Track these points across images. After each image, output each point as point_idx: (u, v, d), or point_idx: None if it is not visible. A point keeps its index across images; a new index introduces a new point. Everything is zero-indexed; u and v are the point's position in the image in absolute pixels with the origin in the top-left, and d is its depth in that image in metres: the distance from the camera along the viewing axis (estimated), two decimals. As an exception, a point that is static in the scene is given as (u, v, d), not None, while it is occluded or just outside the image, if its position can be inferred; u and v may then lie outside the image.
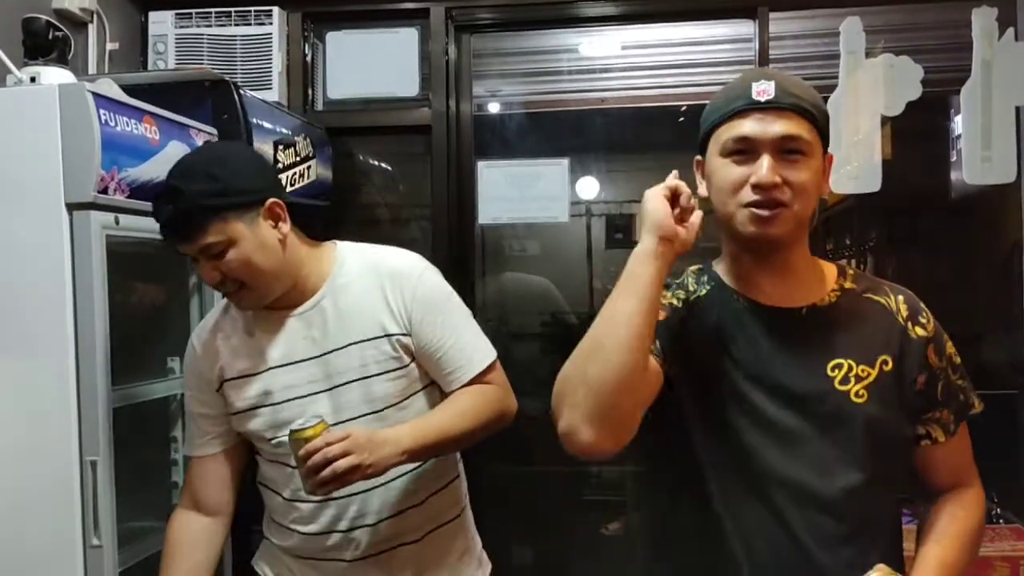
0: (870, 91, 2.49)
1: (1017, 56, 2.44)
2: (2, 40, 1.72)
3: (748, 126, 1.09)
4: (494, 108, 3.42)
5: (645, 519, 1.27)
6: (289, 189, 2.21)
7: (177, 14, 2.59)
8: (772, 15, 2.57)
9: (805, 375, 1.12)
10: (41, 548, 1.49)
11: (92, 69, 2.34)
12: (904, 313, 1.17)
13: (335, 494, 1.32)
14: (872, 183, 2.50)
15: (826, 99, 2.49)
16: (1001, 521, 2.45)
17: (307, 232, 1.48)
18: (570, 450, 1.05)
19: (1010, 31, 2.44)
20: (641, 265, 1.06)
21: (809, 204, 1.12)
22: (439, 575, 1.51)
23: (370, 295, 1.43)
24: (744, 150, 1.09)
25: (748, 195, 1.09)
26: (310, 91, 2.72)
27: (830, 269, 1.21)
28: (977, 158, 2.46)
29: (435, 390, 1.49)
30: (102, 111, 1.49)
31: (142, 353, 1.81)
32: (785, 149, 1.09)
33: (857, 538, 1.09)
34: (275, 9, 2.58)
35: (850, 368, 1.12)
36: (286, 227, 1.41)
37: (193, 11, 2.58)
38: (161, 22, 2.60)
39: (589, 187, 3.57)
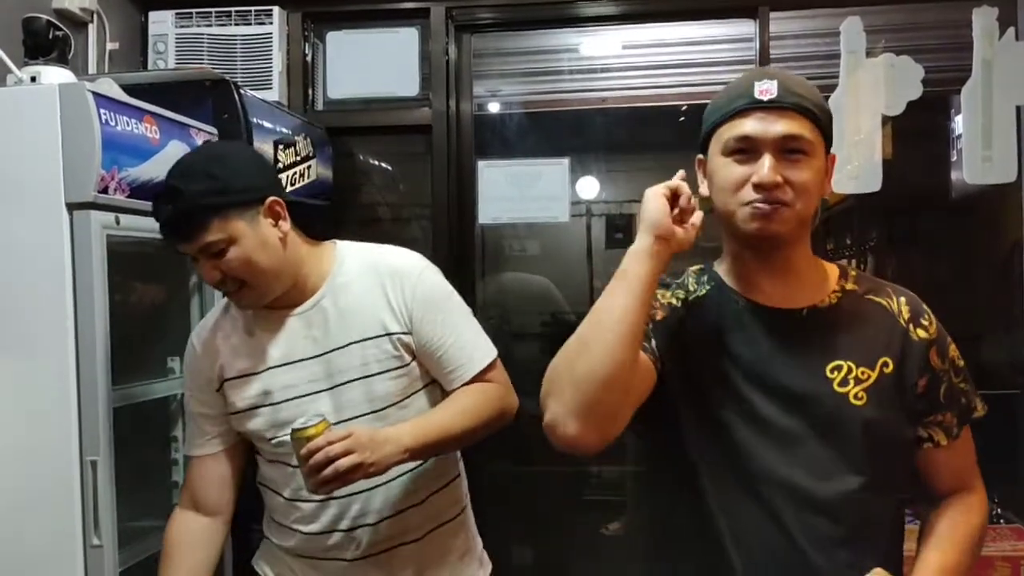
0: (871, 91, 2.49)
1: (1018, 56, 2.44)
2: (2, 40, 1.72)
3: (750, 125, 1.09)
4: (494, 108, 3.42)
5: (643, 518, 1.26)
6: (289, 189, 2.21)
7: (177, 14, 2.59)
8: (773, 15, 2.57)
9: (804, 376, 1.11)
10: (41, 548, 1.49)
11: (92, 69, 2.34)
12: (906, 315, 1.16)
13: (336, 493, 1.32)
14: (872, 183, 2.50)
15: (827, 99, 2.48)
16: (1002, 521, 2.45)
17: (307, 232, 1.47)
18: (553, 442, 1.05)
19: (1011, 31, 2.44)
20: (636, 263, 1.06)
21: (811, 204, 1.11)
22: (440, 574, 1.51)
23: (371, 294, 1.43)
24: (746, 149, 1.09)
25: (749, 194, 1.08)
26: (310, 91, 2.72)
27: (832, 270, 1.20)
28: (978, 158, 2.46)
29: (436, 389, 1.49)
30: (102, 111, 1.49)
31: (142, 353, 1.81)
32: (787, 149, 1.08)
33: (855, 540, 1.08)
34: (275, 9, 2.58)
35: (849, 370, 1.11)
36: (286, 225, 1.41)
37: (193, 11, 2.58)
38: (161, 22, 2.60)
39: (589, 187, 3.57)
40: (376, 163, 2.91)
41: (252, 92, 2.14)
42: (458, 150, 2.72)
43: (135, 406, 1.66)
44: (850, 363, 1.12)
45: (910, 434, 1.16)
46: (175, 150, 1.68)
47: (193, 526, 1.48)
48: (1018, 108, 2.44)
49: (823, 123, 1.12)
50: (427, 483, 1.47)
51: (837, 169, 2.48)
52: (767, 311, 1.15)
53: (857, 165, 2.50)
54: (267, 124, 2.14)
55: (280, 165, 2.17)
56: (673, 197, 1.08)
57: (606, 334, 1.02)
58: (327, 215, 2.50)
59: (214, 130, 1.87)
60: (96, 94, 1.49)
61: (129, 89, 1.66)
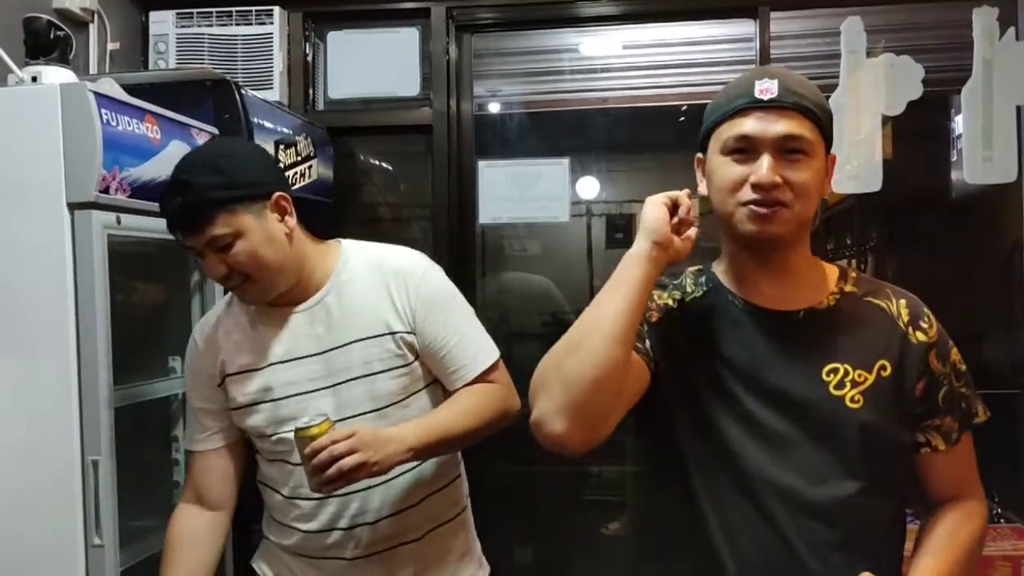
0: (871, 91, 2.49)
1: (1018, 55, 2.44)
2: (3, 40, 1.72)
3: (749, 125, 1.08)
4: (495, 108, 3.42)
5: (639, 518, 1.26)
6: (290, 189, 2.21)
7: (178, 14, 2.59)
8: (773, 15, 2.57)
9: (799, 379, 1.10)
10: (43, 547, 1.49)
11: (93, 69, 2.35)
12: (905, 317, 1.14)
13: (336, 491, 1.32)
14: (873, 183, 2.50)
15: (827, 99, 2.48)
16: (1002, 521, 2.45)
17: (311, 230, 1.48)
18: (540, 440, 1.04)
19: (1011, 31, 2.44)
20: (632, 267, 1.06)
21: (810, 205, 1.10)
22: (439, 574, 1.51)
23: (374, 293, 1.44)
24: (745, 149, 1.08)
25: (748, 194, 1.07)
26: (311, 91, 2.73)
27: (831, 271, 1.19)
28: (978, 158, 2.46)
29: (438, 388, 1.50)
30: (103, 110, 1.49)
31: (143, 352, 1.81)
32: (786, 149, 1.07)
33: (851, 545, 1.07)
34: (276, 9, 2.58)
35: (846, 373, 1.10)
36: (292, 221, 1.41)
37: (194, 11, 2.58)
38: (162, 22, 2.60)
39: (589, 187, 3.58)
40: (377, 163, 2.91)
41: (253, 92, 2.14)
42: (459, 150, 2.72)
43: (136, 406, 1.67)
44: (847, 366, 1.10)
45: (908, 438, 1.14)
46: (176, 150, 1.68)
47: (196, 521, 1.48)
48: (1018, 108, 2.44)
49: (823, 123, 1.11)
50: (427, 483, 1.47)
51: (837, 169, 2.48)
52: (764, 313, 1.14)
53: (857, 165, 2.50)
54: (268, 124, 2.14)
55: (281, 165, 2.17)
56: (673, 207, 1.08)
57: (598, 335, 1.02)
58: (330, 213, 2.51)
59: (215, 130, 1.87)
60: (97, 94, 1.49)
61: (130, 89, 1.66)
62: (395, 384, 1.43)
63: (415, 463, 1.42)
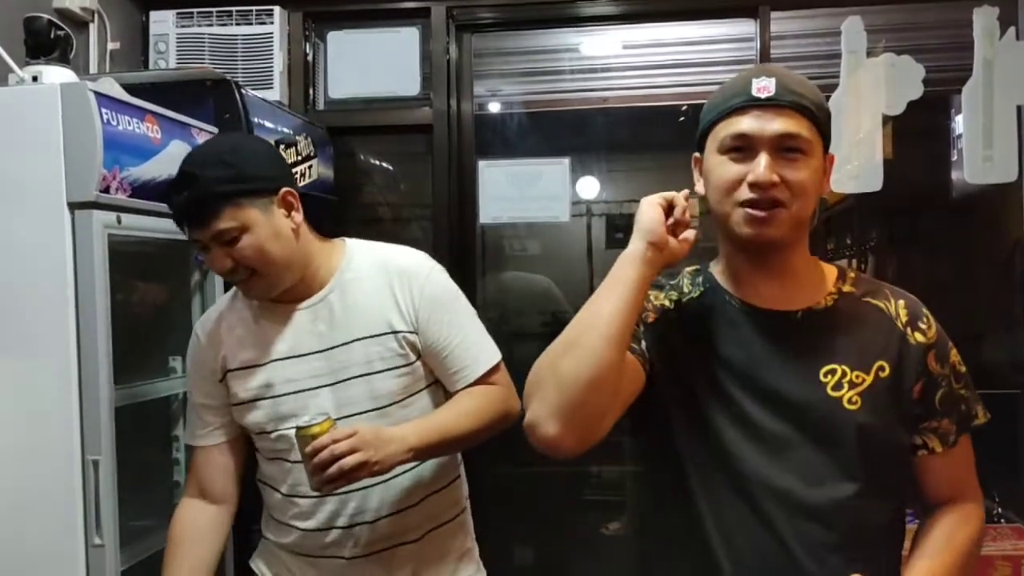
0: (871, 90, 2.49)
1: (1018, 55, 2.44)
2: (4, 39, 1.72)
3: (746, 123, 1.07)
4: (495, 107, 3.42)
5: (637, 517, 1.26)
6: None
7: (178, 13, 2.59)
8: (773, 14, 2.57)
9: (797, 380, 1.09)
10: (43, 547, 1.49)
11: (93, 69, 2.35)
12: (904, 318, 1.13)
13: (336, 490, 1.32)
14: (873, 182, 2.50)
15: (827, 99, 2.48)
16: (1002, 520, 2.45)
17: (317, 228, 1.48)
18: (533, 443, 1.04)
19: (1011, 30, 2.44)
20: (627, 267, 1.05)
21: (808, 205, 1.09)
22: (438, 575, 1.51)
23: (378, 292, 1.44)
24: (742, 148, 1.07)
25: (745, 193, 1.06)
26: (311, 90, 2.73)
27: (830, 271, 1.18)
28: (978, 157, 2.46)
29: (439, 388, 1.50)
30: (104, 110, 1.49)
31: (144, 352, 1.81)
32: (784, 147, 1.06)
33: (848, 547, 1.06)
34: (276, 8, 2.58)
35: (844, 374, 1.09)
36: (299, 216, 1.42)
37: (194, 10, 2.58)
38: (162, 21, 2.60)
39: (590, 187, 3.58)
40: (377, 163, 2.91)
41: (253, 92, 2.14)
42: (459, 150, 2.72)
43: (137, 405, 1.67)
44: (845, 367, 1.09)
45: (906, 440, 1.13)
46: (177, 150, 1.68)
47: (200, 515, 1.48)
48: (1019, 108, 2.44)
49: (821, 122, 1.09)
50: (426, 484, 1.47)
51: (837, 169, 2.49)
52: (761, 313, 1.13)
53: (858, 165, 2.50)
54: (268, 124, 2.14)
55: (281, 164, 2.17)
56: (669, 207, 1.08)
57: (592, 336, 1.01)
58: (333, 211, 2.51)
59: (215, 130, 1.87)
60: (98, 93, 1.49)
61: (130, 89, 1.66)
62: (396, 383, 1.43)
63: (415, 463, 1.42)
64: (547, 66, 3.34)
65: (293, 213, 1.41)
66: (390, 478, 1.41)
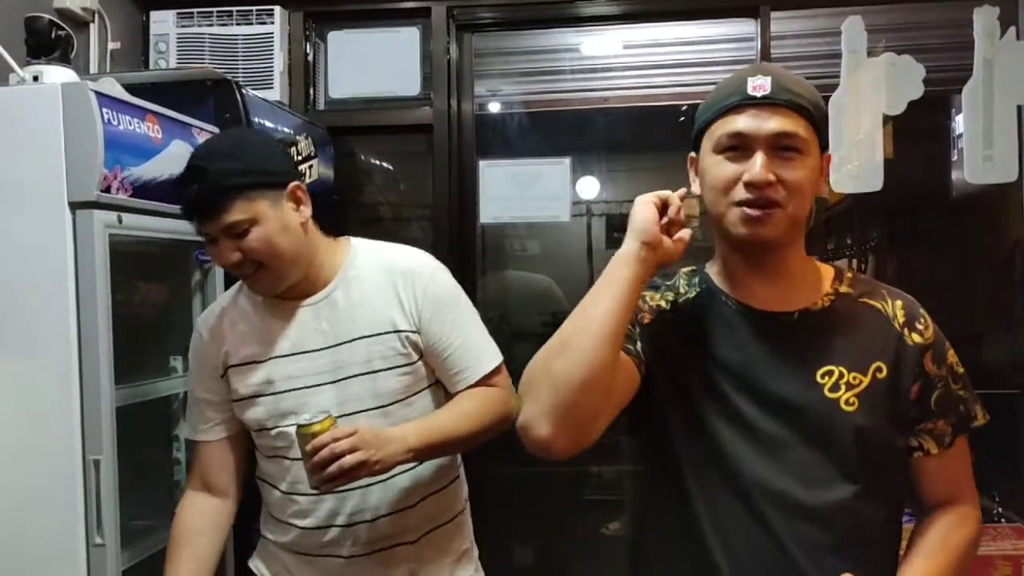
0: (872, 90, 2.49)
1: (1019, 55, 2.44)
2: (4, 39, 1.72)
3: (742, 122, 1.06)
4: (495, 107, 3.42)
5: (633, 517, 1.25)
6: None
7: (179, 13, 2.59)
8: (774, 14, 2.57)
9: (793, 382, 1.08)
10: (44, 547, 1.49)
11: (94, 69, 2.35)
12: (901, 319, 1.12)
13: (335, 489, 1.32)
14: (873, 182, 2.50)
15: (828, 98, 2.49)
16: (1003, 520, 2.45)
17: (322, 227, 1.49)
18: (526, 445, 1.03)
19: (1012, 30, 2.44)
20: (621, 267, 1.04)
21: (804, 204, 1.08)
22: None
23: (381, 291, 1.44)
24: (738, 147, 1.06)
25: (741, 193, 1.05)
26: (312, 90, 2.73)
27: (827, 272, 1.18)
28: (978, 157, 2.46)
29: (440, 388, 1.50)
30: (105, 110, 1.49)
31: (145, 352, 1.81)
32: (780, 147, 1.05)
33: (845, 548, 1.05)
34: (277, 8, 2.58)
35: (841, 375, 1.08)
36: (307, 211, 1.42)
37: (195, 10, 2.58)
38: (163, 21, 2.60)
39: (590, 187, 3.58)
40: (377, 163, 2.91)
41: (254, 92, 2.14)
42: (459, 150, 2.72)
43: (138, 405, 1.66)
44: (842, 368, 1.08)
45: (903, 442, 1.12)
46: (177, 149, 1.68)
47: (203, 508, 1.48)
48: (1019, 107, 2.44)
49: (818, 121, 1.09)
50: (426, 484, 1.47)
51: (837, 168, 2.49)
52: (757, 314, 1.12)
53: (858, 165, 2.50)
54: (269, 124, 2.14)
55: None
56: (663, 206, 1.07)
57: (585, 336, 1.01)
58: (333, 211, 2.51)
59: (216, 129, 1.87)
60: (99, 93, 1.49)
61: (131, 88, 1.66)
62: (397, 382, 1.43)
63: (414, 463, 1.42)
64: (547, 66, 3.34)
65: (301, 207, 1.41)
66: (389, 478, 1.41)
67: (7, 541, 1.50)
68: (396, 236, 2.72)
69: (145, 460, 1.78)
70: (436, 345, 1.44)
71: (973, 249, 3.02)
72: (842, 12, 2.53)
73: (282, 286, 1.42)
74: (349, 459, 1.24)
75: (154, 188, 1.63)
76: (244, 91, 2.04)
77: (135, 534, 1.65)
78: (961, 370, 1.15)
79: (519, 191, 2.72)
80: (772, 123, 1.05)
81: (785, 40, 2.71)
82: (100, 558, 1.48)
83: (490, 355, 1.48)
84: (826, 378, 1.08)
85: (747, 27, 2.65)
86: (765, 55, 2.56)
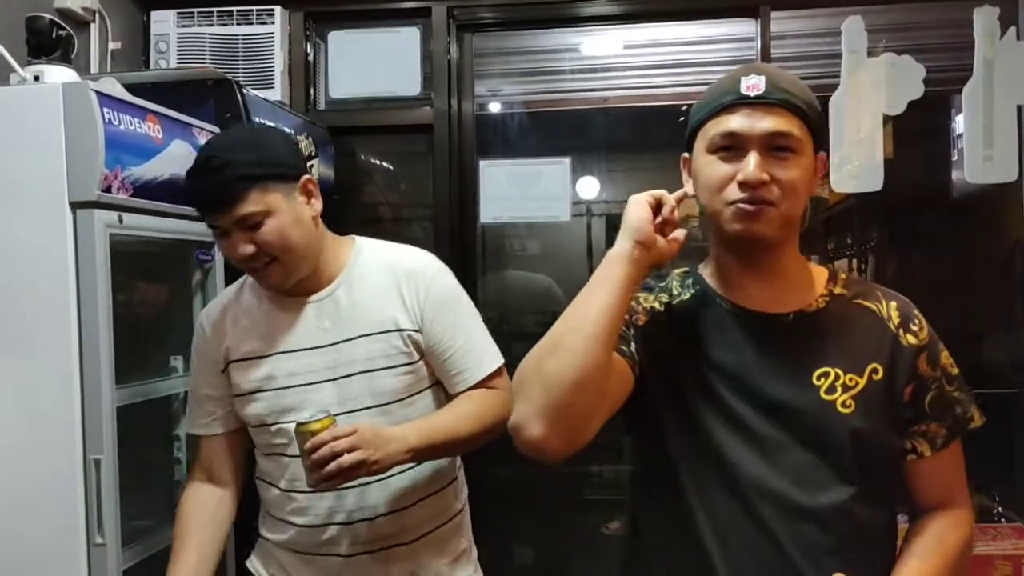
0: (872, 90, 2.49)
1: (1019, 55, 2.44)
2: (5, 39, 1.72)
3: (736, 121, 1.05)
4: (496, 107, 3.42)
5: (633, 519, 1.23)
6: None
7: (179, 13, 2.59)
8: (774, 14, 2.57)
9: (789, 384, 1.07)
10: (45, 546, 1.49)
11: (94, 68, 2.35)
12: (896, 320, 1.12)
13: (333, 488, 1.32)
14: (874, 182, 2.50)
15: (828, 98, 2.50)
16: (1003, 520, 2.46)
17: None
18: (519, 446, 1.02)
19: (1012, 30, 2.45)
20: (614, 266, 1.03)
21: (798, 204, 1.07)
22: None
23: (385, 290, 1.44)
24: (731, 146, 1.05)
25: (734, 193, 1.04)
26: (312, 90, 2.73)
27: (820, 273, 1.17)
28: (979, 157, 2.46)
29: (442, 389, 1.50)
30: (106, 109, 1.49)
31: (145, 352, 1.81)
32: (774, 146, 1.04)
33: (846, 550, 1.04)
34: (277, 8, 2.59)
35: (837, 377, 1.07)
36: (319, 205, 1.43)
37: (195, 10, 2.59)
38: (163, 21, 2.60)
39: (590, 187, 3.58)
40: (378, 162, 2.91)
41: (254, 92, 2.14)
42: (459, 149, 2.72)
43: (138, 405, 1.66)
44: (838, 370, 1.08)
45: (897, 444, 1.11)
46: (178, 149, 1.68)
47: (208, 498, 1.49)
48: (1019, 107, 2.44)
49: (812, 120, 1.07)
50: (425, 484, 1.47)
51: (837, 168, 2.49)
52: (752, 316, 1.11)
53: (858, 164, 2.50)
54: (269, 123, 2.14)
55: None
56: (657, 206, 1.06)
57: (578, 336, 1.00)
58: (334, 211, 2.51)
59: (217, 129, 1.87)
60: (99, 93, 1.49)
61: (131, 88, 1.66)
62: (398, 381, 1.43)
63: (413, 463, 1.42)
64: (548, 66, 3.34)
65: (312, 200, 1.42)
66: (388, 477, 1.41)
67: (8, 540, 1.50)
68: (396, 236, 2.71)
69: (146, 460, 1.78)
70: (437, 346, 1.44)
71: (973, 249, 3.03)
72: (842, 12, 2.53)
73: (292, 280, 1.42)
74: (348, 458, 1.24)
75: (155, 188, 1.63)
76: (245, 91, 2.04)
77: (136, 534, 1.65)
78: (955, 371, 1.14)
79: (519, 191, 2.72)
80: (766, 123, 1.04)
81: (785, 40, 2.71)
82: (101, 558, 1.49)
83: (491, 357, 1.48)
84: (822, 380, 1.08)
85: (747, 27, 2.65)
86: (765, 55, 2.56)
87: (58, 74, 1.62)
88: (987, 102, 2.45)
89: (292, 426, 1.32)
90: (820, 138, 1.11)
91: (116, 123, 1.52)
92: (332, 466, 1.24)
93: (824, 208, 3.15)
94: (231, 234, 1.36)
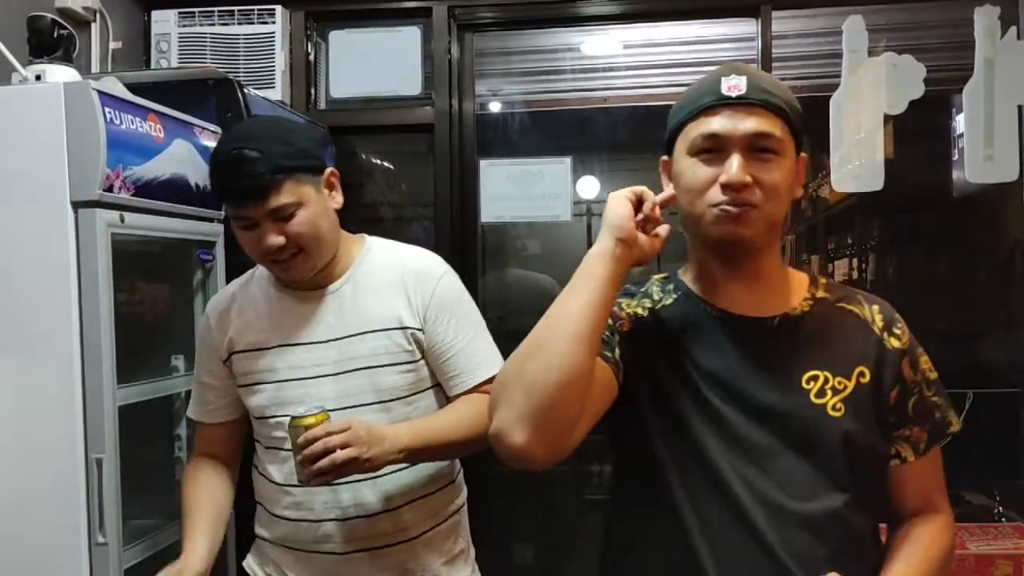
0: (872, 90, 2.49)
1: (1019, 55, 2.44)
2: (7, 38, 1.72)
3: (718, 123, 1.03)
4: (496, 107, 3.42)
5: (609, 532, 1.21)
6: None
7: (180, 13, 2.59)
8: (775, 14, 2.57)
9: (777, 389, 1.06)
10: (46, 545, 1.49)
11: (95, 68, 2.35)
12: (879, 323, 1.11)
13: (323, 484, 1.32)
14: (874, 182, 2.50)
15: (828, 98, 2.50)
16: (1003, 520, 2.46)
17: None
18: (500, 454, 0.98)
19: (1012, 30, 2.45)
20: (596, 264, 1.01)
21: (780, 207, 1.05)
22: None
23: (391, 288, 1.45)
24: (713, 148, 1.03)
25: (717, 195, 1.02)
26: (313, 90, 2.73)
27: (801, 278, 1.15)
28: (979, 157, 2.46)
29: (443, 391, 1.50)
30: (107, 109, 1.49)
31: (147, 351, 1.82)
32: (756, 148, 1.03)
33: (839, 557, 1.02)
34: (278, 8, 2.59)
35: (826, 380, 1.06)
36: (340, 198, 1.45)
37: (196, 10, 2.59)
38: (164, 21, 2.60)
39: (590, 186, 3.58)
40: (378, 162, 2.91)
41: (255, 91, 2.14)
42: (460, 149, 2.72)
43: (140, 404, 1.67)
44: (826, 373, 1.06)
45: (884, 448, 1.10)
46: (179, 149, 1.69)
47: (211, 472, 1.51)
48: (1020, 107, 2.45)
49: (794, 122, 1.06)
50: (423, 483, 1.47)
51: (837, 168, 2.50)
52: (737, 320, 1.09)
53: (859, 164, 2.50)
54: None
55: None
56: (638, 203, 1.04)
57: (561, 336, 0.97)
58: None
59: (218, 129, 1.87)
60: (101, 92, 1.49)
61: (133, 88, 1.66)
62: (400, 379, 1.43)
63: (408, 463, 1.42)
64: (548, 66, 3.34)
65: (334, 193, 1.44)
66: (386, 475, 1.41)
67: (9, 540, 1.50)
68: (397, 236, 2.70)
69: (147, 459, 1.78)
70: (437, 347, 1.44)
71: (973, 249, 3.03)
72: (843, 12, 2.53)
73: (314, 271, 1.43)
74: (340, 454, 1.24)
75: (156, 187, 1.63)
76: (246, 90, 2.04)
77: (137, 533, 1.65)
78: (934, 376, 1.13)
79: (520, 190, 2.72)
80: (748, 123, 1.03)
81: (786, 40, 2.71)
82: (102, 557, 1.49)
83: (491, 362, 1.47)
84: (811, 383, 1.06)
85: (748, 27, 2.65)
86: (766, 55, 2.56)
87: (60, 73, 1.62)
88: (988, 102, 2.45)
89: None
90: (801, 139, 1.09)
91: (118, 122, 1.52)
92: (324, 462, 1.24)
93: (824, 208, 3.16)
94: (261, 226, 1.36)
